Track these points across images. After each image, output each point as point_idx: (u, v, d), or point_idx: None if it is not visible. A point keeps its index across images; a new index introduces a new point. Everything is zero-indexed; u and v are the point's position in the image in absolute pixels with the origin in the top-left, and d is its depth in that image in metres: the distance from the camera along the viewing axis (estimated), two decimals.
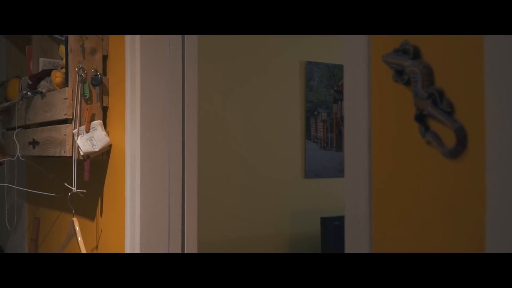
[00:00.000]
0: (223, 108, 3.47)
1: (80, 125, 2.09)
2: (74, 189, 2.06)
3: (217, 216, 3.42)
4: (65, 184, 2.11)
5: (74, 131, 2.08)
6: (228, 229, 3.45)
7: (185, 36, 2.03)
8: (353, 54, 1.16)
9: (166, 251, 2.00)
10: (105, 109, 2.17)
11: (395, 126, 1.10)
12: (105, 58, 2.18)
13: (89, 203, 2.22)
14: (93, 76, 2.12)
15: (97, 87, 2.12)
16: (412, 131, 1.05)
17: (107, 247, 2.13)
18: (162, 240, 2.00)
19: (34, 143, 2.32)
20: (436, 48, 1.03)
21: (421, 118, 1.03)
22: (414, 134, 1.05)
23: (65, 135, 2.09)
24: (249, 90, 3.58)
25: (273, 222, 3.69)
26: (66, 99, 2.08)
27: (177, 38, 2.02)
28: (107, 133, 2.12)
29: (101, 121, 2.12)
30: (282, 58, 3.72)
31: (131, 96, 2.02)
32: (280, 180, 3.73)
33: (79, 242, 2.06)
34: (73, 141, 2.08)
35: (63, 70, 2.18)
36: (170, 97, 2.02)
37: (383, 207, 1.13)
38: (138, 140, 1.99)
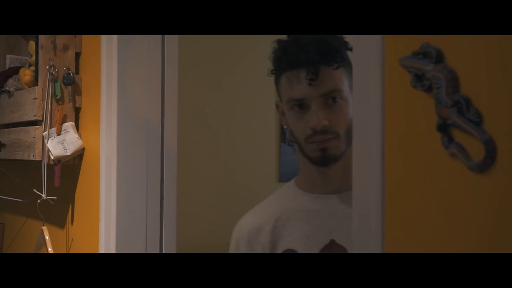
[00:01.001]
0: (202, 112, 3.34)
1: (50, 127, 1.95)
2: (43, 195, 1.92)
3: (194, 222, 3.28)
4: (34, 190, 1.97)
5: (44, 133, 1.95)
6: (205, 235, 3.33)
7: (165, 36, 1.90)
8: (365, 56, 1.06)
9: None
10: (77, 110, 2.04)
11: (412, 136, 1.00)
12: (78, 55, 2.04)
13: (59, 211, 2.08)
14: (65, 75, 1.98)
15: (69, 86, 1.99)
16: (433, 142, 0.96)
17: None
18: (139, 250, 1.87)
19: (0, 145, 2.18)
20: (461, 51, 0.93)
21: (444, 128, 0.94)
22: (435, 145, 0.95)
23: (34, 137, 1.96)
24: (224, 93, 3.47)
25: None
26: (35, 99, 1.94)
27: (157, 37, 1.89)
28: (80, 136, 1.99)
29: (73, 123, 1.99)
30: (257, 58, 3.61)
31: (107, 96, 1.89)
32: (254, 184, 3.62)
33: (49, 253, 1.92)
34: (43, 144, 1.95)
35: (32, 67, 2.04)
36: (149, 98, 1.90)
37: (397, 229, 1.03)
38: (114, 144, 1.86)
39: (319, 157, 1.46)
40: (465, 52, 0.93)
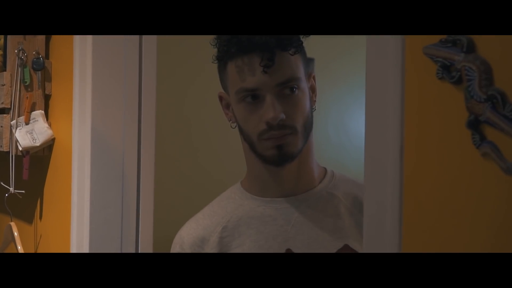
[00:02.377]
0: (178, 105, 3.18)
1: (18, 116, 1.81)
2: (11, 189, 1.79)
3: (171, 219, 3.13)
4: (1, 183, 1.83)
5: (12, 122, 1.80)
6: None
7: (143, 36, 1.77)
8: (381, 41, 0.97)
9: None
10: (47, 98, 1.89)
11: (437, 134, 0.91)
12: (48, 39, 1.90)
13: (27, 205, 1.94)
14: (35, 59, 1.84)
15: (39, 72, 1.85)
16: (462, 141, 0.87)
17: None
18: (114, 248, 1.75)
19: None
20: (493, 41, 0.84)
21: (475, 124, 0.85)
22: (464, 144, 0.86)
23: (1, 126, 1.82)
24: (199, 86, 3.32)
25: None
26: (3, 85, 1.80)
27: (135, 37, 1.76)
28: (49, 125, 1.85)
29: (43, 112, 1.85)
30: None
31: (80, 83, 1.76)
32: (229, 182, 3.50)
33: (19, 250, 1.78)
34: (11, 134, 1.81)
35: (0, 52, 1.89)
36: (126, 86, 1.77)
37: (417, 239, 0.94)
38: (88, 134, 1.73)
39: (274, 155, 1.30)
40: (496, 42, 0.84)
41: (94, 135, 1.73)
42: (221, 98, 1.42)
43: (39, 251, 1.90)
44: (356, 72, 3.24)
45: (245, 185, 1.44)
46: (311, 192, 1.38)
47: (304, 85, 1.32)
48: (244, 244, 1.35)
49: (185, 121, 3.25)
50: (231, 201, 1.43)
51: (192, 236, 1.40)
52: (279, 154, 1.30)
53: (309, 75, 1.36)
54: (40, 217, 1.91)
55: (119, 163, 1.76)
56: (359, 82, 2.75)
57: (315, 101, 1.38)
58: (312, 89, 1.37)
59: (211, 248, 1.37)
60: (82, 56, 1.74)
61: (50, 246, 1.86)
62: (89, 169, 1.72)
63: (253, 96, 1.29)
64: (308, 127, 1.33)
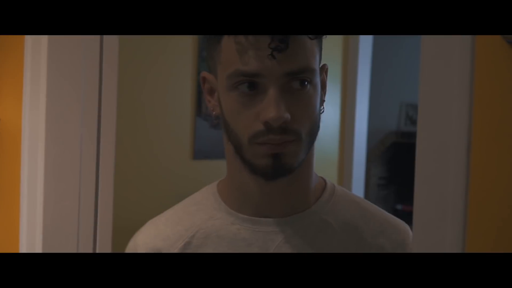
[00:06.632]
0: (141, 92, 2.95)
1: None
2: None
3: (132, 214, 2.89)
4: None
5: None
6: (129, 217, 2.97)
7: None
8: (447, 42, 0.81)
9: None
10: None
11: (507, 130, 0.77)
12: None
13: None
14: None
15: None
16: None
17: None
18: (69, 246, 1.53)
19: None
20: None
21: None
22: None
23: None
24: (139, 61, 3.10)
25: (158, 206, 3.25)
26: None
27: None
28: None
29: None
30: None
31: (32, 57, 1.52)
32: (167, 161, 3.30)
33: None
34: None
35: None
36: (85, 61, 1.55)
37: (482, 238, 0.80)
38: (42, 116, 1.50)
39: (267, 166, 1.00)
40: None
41: (49, 116, 1.50)
42: (204, 80, 1.09)
43: None
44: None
45: (222, 191, 1.14)
46: (302, 214, 1.09)
47: (317, 79, 1.03)
48: None
49: (145, 109, 3.03)
50: (201, 208, 1.13)
51: (148, 246, 1.12)
52: (274, 165, 1.00)
53: (323, 68, 1.08)
54: None
55: (76, 148, 1.54)
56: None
57: (324, 100, 1.08)
58: (323, 85, 1.08)
59: None
60: (35, 41, 1.51)
61: None
62: (42, 156, 1.50)
63: (251, 85, 0.99)
64: (314, 134, 1.04)
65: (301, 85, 0.99)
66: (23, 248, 1.51)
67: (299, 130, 0.99)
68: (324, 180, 1.15)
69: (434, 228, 0.83)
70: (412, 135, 4.03)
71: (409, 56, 4.05)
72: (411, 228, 0.97)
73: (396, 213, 4.09)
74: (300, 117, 0.99)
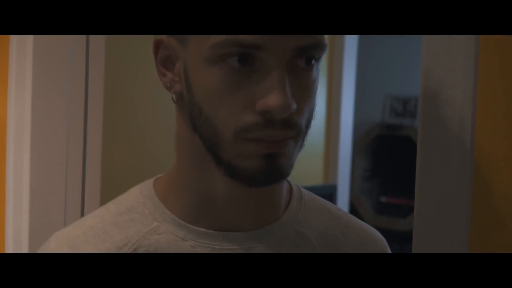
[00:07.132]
0: (130, 86, 2.91)
1: None
2: None
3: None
4: None
5: None
6: None
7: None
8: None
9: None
10: None
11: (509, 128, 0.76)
12: None
13: None
14: None
15: None
16: None
17: None
18: None
19: None
20: None
21: None
22: None
23: None
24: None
25: None
26: None
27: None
28: None
29: None
30: None
31: (18, 49, 1.49)
32: (158, 158, 3.26)
33: None
34: None
35: None
36: (72, 54, 1.52)
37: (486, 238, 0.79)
38: (28, 110, 1.47)
39: (259, 170, 0.75)
40: None
41: (35, 109, 1.47)
42: (158, 46, 0.82)
43: None
44: None
45: (164, 194, 0.87)
46: (273, 226, 0.86)
47: (320, 62, 0.80)
48: None
49: (134, 103, 2.99)
50: (136, 218, 0.85)
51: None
52: (267, 168, 0.75)
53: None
54: None
55: (63, 142, 1.52)
56: None
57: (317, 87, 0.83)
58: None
59: None
60: (20, 41, 1.48)
61: None
62: (28, 151, 1.47)
63: (243, 58, 0.73)
64: (308, 127, 0.81)
65: (307, 63, 0.76)
66: (9, 248, 1.48)
67: (300, 123, 0.77)
68: (289, 183, 0.93)
69: (435, 228, 0.83)
70: (396, 128, 4.03)
71: (394, 49, 4.04)
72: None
73: (380, 205, 4.11)
74: (302, 106, 0.76)
